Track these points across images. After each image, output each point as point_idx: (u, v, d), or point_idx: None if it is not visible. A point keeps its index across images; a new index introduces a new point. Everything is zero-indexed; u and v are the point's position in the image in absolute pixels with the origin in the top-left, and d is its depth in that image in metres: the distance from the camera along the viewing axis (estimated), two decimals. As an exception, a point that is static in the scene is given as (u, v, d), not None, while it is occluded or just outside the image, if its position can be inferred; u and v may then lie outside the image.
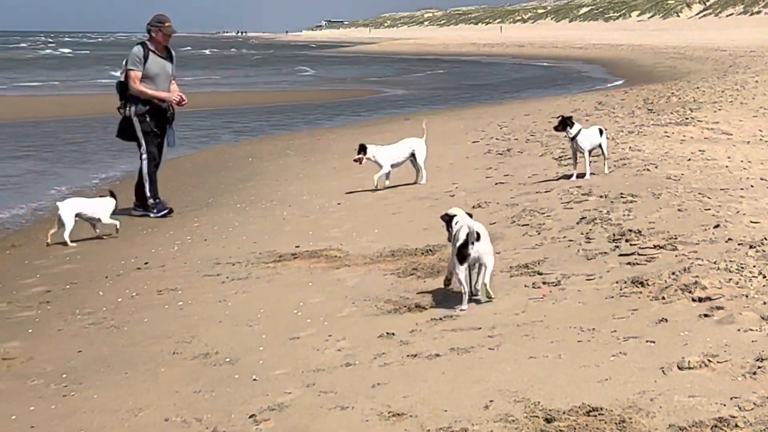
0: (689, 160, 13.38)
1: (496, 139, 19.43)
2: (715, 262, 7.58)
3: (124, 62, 14.46)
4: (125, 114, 14.33)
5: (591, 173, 12.85)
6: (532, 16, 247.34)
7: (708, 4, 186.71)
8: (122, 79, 14.39)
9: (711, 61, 55.31)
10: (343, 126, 28.14)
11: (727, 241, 8.27)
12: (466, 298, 7.99)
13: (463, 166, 16.17)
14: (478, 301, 8.00)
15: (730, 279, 7.13)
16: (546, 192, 12.30)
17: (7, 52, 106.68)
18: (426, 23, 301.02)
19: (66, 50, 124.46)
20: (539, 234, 10.01)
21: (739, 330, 6.14)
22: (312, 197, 14.63)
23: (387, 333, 7.36)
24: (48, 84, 51.11)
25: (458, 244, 7.93)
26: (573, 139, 13.00)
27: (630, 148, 15.07)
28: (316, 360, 7.00)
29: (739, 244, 8.09)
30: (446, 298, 8.19)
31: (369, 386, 6.22)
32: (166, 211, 14.29)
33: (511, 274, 8.60)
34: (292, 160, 19.86)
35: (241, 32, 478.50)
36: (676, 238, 8.62)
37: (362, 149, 14.50)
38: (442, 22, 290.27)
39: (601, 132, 13.14)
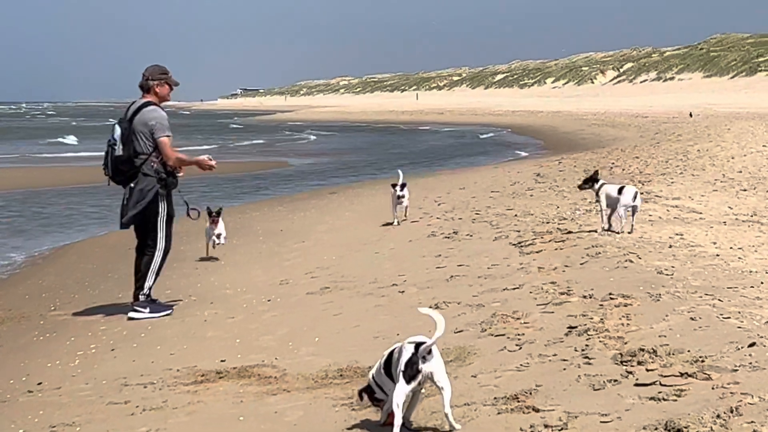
0: (671, 247, 11.68)
1: (437, 218, 17.62)
2: (772, 401, 5.80)
3: (113, 132, 11.52)
4: (143, 191, 11.61)
5: None
6: (448, 83, 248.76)
7: (621, 70, 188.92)
8: (121, 152, 11.49)
9: (634, 128, 54.74)
10: (265, 200, 26.19)
11: (774, 368, 6.51)
12: (397, 430, 6.23)
13: (407, 252, 14.23)
14: None
15: (804, 429, 5.37)
16: (515, 289, 10.43)
17: None
18: (342, 90, 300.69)
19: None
20: (520, 348, 8.07)
21: None
22: (237, 291, 12.71)
23: (349, 505, 5.53)
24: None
25: (405, 359, 6.26)
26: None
27: (596, 231, 13.37)
28: None
29: (794, 374, 6.33)
30: (419, 444, 6.37)
31: None
32: (167, 311, 11.81)
33: (498, 409, 6.67)
34: (211, 242, 17.85)
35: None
36: (703, 361, 6.81)
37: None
38: (358, 89, 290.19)
39: None
